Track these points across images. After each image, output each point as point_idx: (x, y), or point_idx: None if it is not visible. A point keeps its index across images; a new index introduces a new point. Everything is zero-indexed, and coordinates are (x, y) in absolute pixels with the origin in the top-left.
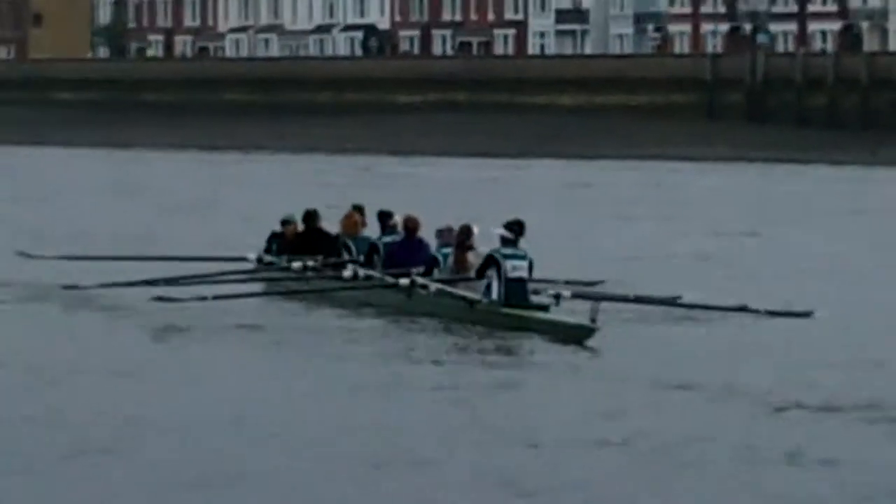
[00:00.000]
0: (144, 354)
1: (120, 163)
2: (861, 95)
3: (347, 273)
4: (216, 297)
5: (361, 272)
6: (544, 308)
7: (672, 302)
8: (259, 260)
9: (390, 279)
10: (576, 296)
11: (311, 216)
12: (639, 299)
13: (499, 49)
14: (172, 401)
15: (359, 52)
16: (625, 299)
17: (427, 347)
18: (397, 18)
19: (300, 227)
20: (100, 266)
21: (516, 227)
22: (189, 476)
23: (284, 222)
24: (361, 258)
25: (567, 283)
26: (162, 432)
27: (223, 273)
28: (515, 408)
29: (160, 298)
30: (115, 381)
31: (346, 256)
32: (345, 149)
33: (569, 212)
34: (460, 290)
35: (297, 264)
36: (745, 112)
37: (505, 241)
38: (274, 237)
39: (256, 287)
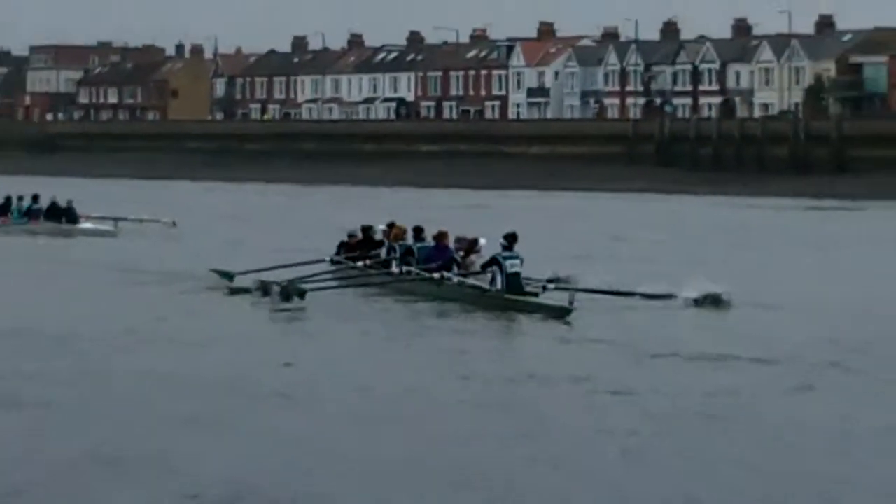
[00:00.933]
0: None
1: (229, 192)
2: (736, 148)
3: (396, 269)
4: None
5: (405, 269)
6: (535, 294)
7: (625, 293)
8: (332, 261)
9: (426, 274)
10: (558, 288)
11: (366, 229)
12: (600, 290)
13: (489, 114)
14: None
15: (393, 116)
16: (593, 290)
17: (452, 321)
18: (419, 93)
19: (360, 236)
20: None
21: (511, 237)
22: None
23: (351, 235)
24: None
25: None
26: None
27: (313, 273)
28: (512, 363)
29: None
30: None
31: (390, 257)
32: (383, 183)
33: (541, 224)
34: (474, 282)
35: (360, 263)
36: (656, 159)
37: (504, 247)
38: (342, 244)
39: (334, 279)
